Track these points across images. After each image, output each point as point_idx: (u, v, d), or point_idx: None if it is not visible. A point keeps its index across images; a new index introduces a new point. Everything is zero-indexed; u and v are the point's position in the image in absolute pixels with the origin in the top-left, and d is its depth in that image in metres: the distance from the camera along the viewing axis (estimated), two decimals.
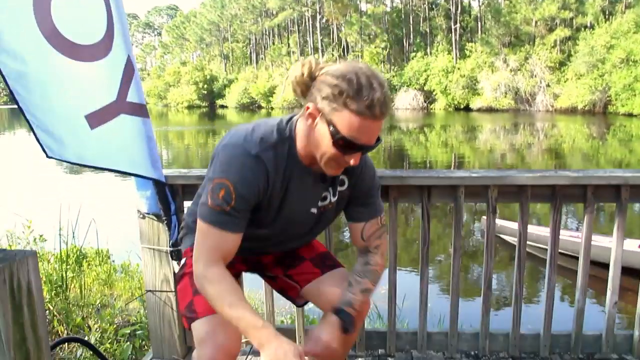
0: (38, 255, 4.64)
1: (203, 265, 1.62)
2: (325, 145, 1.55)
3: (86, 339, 3.13)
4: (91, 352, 3.02)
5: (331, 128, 1.51)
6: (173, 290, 2.60)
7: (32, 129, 2.22)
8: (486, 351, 2.76)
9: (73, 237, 4.53)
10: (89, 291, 4.23)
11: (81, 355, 3.04)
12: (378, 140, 1.57)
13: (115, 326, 3.41)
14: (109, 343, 3.21)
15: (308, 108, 1.55)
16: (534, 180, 2.51)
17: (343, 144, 1.52)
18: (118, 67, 2.26)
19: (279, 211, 1.75)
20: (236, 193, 1.58)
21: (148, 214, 2.55)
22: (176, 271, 2.55)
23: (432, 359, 2.73)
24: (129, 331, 3.29)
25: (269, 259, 2.05)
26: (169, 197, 2.52)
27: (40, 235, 4.88)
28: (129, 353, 3.02)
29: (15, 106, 2.19)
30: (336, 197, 1.83)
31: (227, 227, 1.62)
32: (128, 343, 3.13)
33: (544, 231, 5.80)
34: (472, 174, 2.53)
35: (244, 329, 1.55)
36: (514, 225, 6.46)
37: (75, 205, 4.83)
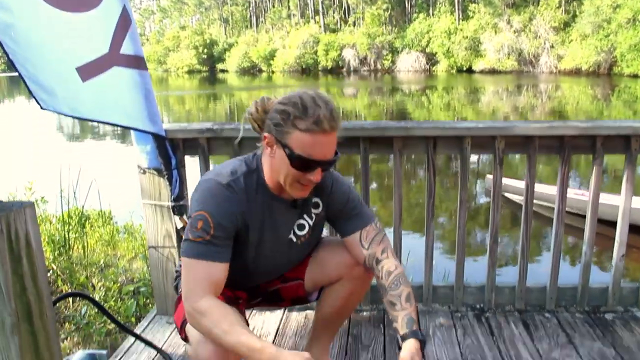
0: (40, 217, 4.63)
1: (193, 300, 1.58)
2: (286, 168, 1.61)
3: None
4: (96, 310, 3.02)
5: (287, 150, 1.57)
6: (175, 245, 2.58)
7: (23, 81, 2.17)
8: (492, 304, 2.75)
9: (74, 198, 4.50)
10: (92, 252, 4.23)
11: (86, 312, 3.04)
12: (336, 154, 1.64)
13: (119, 285, 3.40)
14: (113, 301, 3.20)
15: (265, 138, 1.63)
16: (542, 131, 2.45)
17: (300, 162, 1.58)
18: (111, 18, 2.18)
19: (260, 243, 1.76)
20: (214, 221, 1.60)
21: (149, 168, 2.51)
22: (178, 227, 2.53)
23: (438, 312, 2.72)
24: (132, 288, 3.29)
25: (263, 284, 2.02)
26: (169, 151, 2.47)
27: (42, 197, 4.85)
28: (133, 310, 3.02)
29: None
30: (312, 220, 1.85)
31: (211, 257, 1.61)
32: (132, 300, 3.12)
33: (550, 189, 5.77)
34: (479, 124, 2.48)
35: (245, 354, 1.51)
36: (519, 184, 6.41)
37: (76, 168, 4.80)
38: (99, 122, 2.34)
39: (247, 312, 2.72)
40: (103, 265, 3.83)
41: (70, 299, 3.25)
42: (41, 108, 2.24)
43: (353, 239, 1.84)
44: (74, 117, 2.33)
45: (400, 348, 1.68)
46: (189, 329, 1.70)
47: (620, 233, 2.59)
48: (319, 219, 1.86)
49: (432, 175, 2.53)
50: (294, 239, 1.83)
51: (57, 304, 3.22)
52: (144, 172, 2.54)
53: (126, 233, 4.90)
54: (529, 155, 2.52)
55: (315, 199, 1.84)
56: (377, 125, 2.54)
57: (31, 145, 12.46)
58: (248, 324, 1.69)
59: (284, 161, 1.59)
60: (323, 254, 1.96)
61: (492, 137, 2.48)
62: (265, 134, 1.62)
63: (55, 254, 3.83)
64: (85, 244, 4.24)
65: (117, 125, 2.36)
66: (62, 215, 4.38)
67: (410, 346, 1.66)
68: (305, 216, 1.83)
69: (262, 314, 2.74)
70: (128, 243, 4.60)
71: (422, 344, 1.65)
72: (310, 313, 2.68)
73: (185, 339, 1.77)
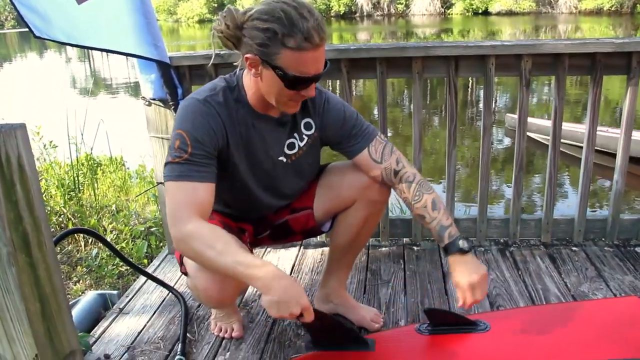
0: (50, 162, 4.56)
1: (180, 224, 1.46)
2: (278, 89, 1.50)
3: None
4: (108, 253, 2.96)
5: (278, 72, 1.45)
6: None
7: (15, 8, 2.03)
8: (517, 238, 2.63)
9: (82, 140, 4.40)
10: (103, 197, 4.16)
11: (97, 254, 2.98)
12: (326, 64, 1.51)
13: (130, 227, 3.32)
14: (125, 243, 3.13)
15: (247, 59, 1.48)
16: (573, 48, 2.27)
17: (295, 82, 1.46)
18: None
19: (251, 165, 1.67)
20: (190, 138, 1.49)
21: (154, 99, 2.37)
22: None
23: None
24: (143, 228, 3.21)
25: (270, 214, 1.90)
26: (175, 80, 2.33)
27: (50, 142, 4.76)
28: (145, 251, 2.94)
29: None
30: (304, 141, 1.73)
31: (193, 177, 1.49)
32: (144, 241, 3.04)
33: (575, 126, 5.56)
34: (504, 43, 2.30)
35: (243, 274, 1.40)
36: (543, 122, 6.22)
37: (88, 115, 4.67)
38: (96, 49, 2.19)
39: (261, 251, 2.64)
40: (115, 210, 3.75)
41: (82, 242, 3.18)
42: (34, 36, 2.11)
43: (363, 157, 1.72)
44: (69, 45, 2.19)
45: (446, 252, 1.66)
46: (187, 260, 1.61)
47: None
48: (312, 139, 1.73)
49: (454, 98, 2.37)
50: (285, 160, 1.71)
51: (69, 247, 3.16)
52: (149, 104, 2.41)
53: (138, 178, 4.81)
54: (557, 77, 2.34)
55: (307, 119, 1.71)
56: (396, 45, 2.37)
57: (42, 96, 12.35)
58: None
59: (276, 82, 1.47)
60: (332, 178, 1.84)
61: (518, 57, 2.30)
62: (248, 55, 1.47)
63: (66, 198, 3.75)
64: (96, 189, 4.16)
65: (117, 52, 2.21)
66: (71, 159, 4.29)
67: (459, 268, 1.63)
68: (295, 135, 1.71)
69: (276, 252, 2.65)
70: (140, 188, 4.52)
71: (468, 251, 1.64)
72: (327, 250, 2.58)
73: (186, 273, 1.69)
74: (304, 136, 1.72)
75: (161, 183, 2.49)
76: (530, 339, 1.65)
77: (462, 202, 4.73)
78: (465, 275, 1.61)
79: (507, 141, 6.86)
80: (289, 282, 1.40)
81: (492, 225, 2.63)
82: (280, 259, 2.57)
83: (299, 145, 1.72)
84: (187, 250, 1.47)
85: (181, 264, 1.71)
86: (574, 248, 2.57)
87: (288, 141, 1.70)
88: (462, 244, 1.63)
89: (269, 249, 2.66)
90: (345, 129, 1.71)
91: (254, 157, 1.66)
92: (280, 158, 1.71)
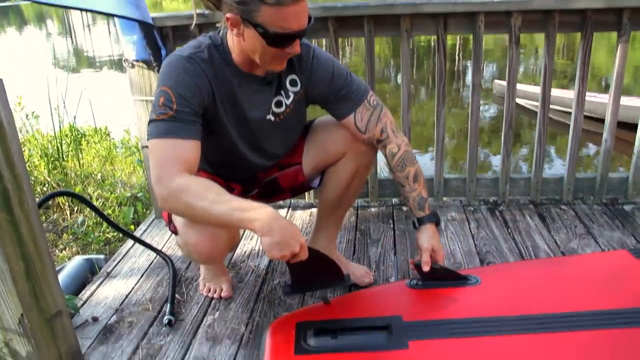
0: (32, 133, 4.48)
1: (166, 181, 1.41)
2: (261, 48, 1.45)
3: None
4: (94, 220, 2.92)
5: (259, 30, 1.41)
6: None
7: None
8: (506, 197, 2.62)
9: (65, 110, 4.31)
10: (88, 166, 4.09)
11: (83, 222, 2.94)
12: (310, 20, 1.47)
13: (116, 195, 3.28)
14: (111, 210, 3.09)
15: (228, 19, 1.44)
16: (563, 4, 2.25)
17: (276, 39, 1.43)
18: None
19: (238, 123, 1.64)
20: (175, 94, 1.46)
21: (137, 61, 2.32)
22: None
23: (450, 206, 2.60)
24: (129, 194, 3.17)
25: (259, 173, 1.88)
26: (158, 41, 2.28)
27: (33, 112, 4.67)
28: (131, 217, 2.90)
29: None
30: (291, 99, 1.69)
31: (178, 134, 1.45)
32: (130, 207, 3.00)
33: (562, 93, 5.56)
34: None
35: (240, 218, 1.37)
36: (530, 88, 6.21)
37: (71, 86, 4.58)
38: (75, 8, 2.13)
39: None
40: (101, 179, 3.70)
41: (68, 211, 3.14)
42: None
43: (348, 122, 1.70)
44: (49, 5, 2.13)
45: (415, 228, 1.72)
46: (175, 217, 1.59)
47: None
48: (298, 97, 1.70)
49: (443, 56, 2.34)
50: (272, 118, 1.68)
51: (55, 216, 3.12)
52: (132, 66, 2.35)
53: (124, 148, 4.74)
54: (547, 34, 2.32)
55: (292, 76, 1.67)
56: (384, 3, 2.32)
57: (21, 70, 12.12)
58: None
59: (258, 41, 1.43)
60: (320, 132, 1.82)
61: (508, 13, 2.27)
62: (228, 15, 1.43)
63: (50, 167, 3.70)
64: (81, 160, 4.10)
65: (97, 12, 2.14)
66: (54, 128, 4.21)
67: (427, 234, 1.69)
68: (282, 93, 1.67)
69: None
70: (126, 157, 4.46)
71: (437, 224, 1.74)
72: (315, 211, 2.56)
73: (175, 231, 1.66)
74: (290, 93, 1.69)
75: (146, 147, 2.44)
76: (522, 292, 1.65)
77: (450, 172, 4.72)
78: (431, 240, 1.69)
79: (493, 110, 6.85)
80: (287, 222, 1.39)
81: (482, 184, 2.62)
82: None
83: (286, 104, 1.69)
84: (176, 205, 1.44)
85: (169, 222, 1.68)
86: (563, 207, 2.57)
87: (275, 99, 1.67)
88: (436, 217, 1.74)
89: None
90: (332, 89, 1.67)
91: (241, 117, 1.63)
92: (268, 117, 1.68)
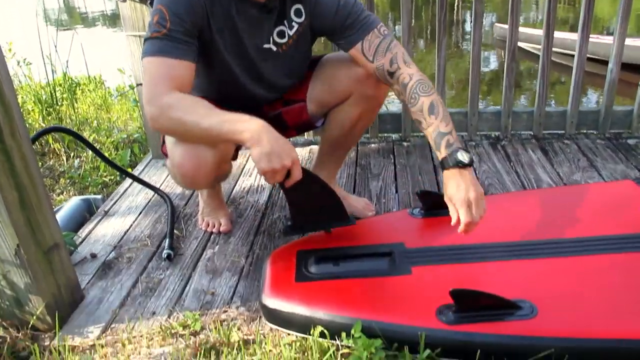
0: (26, 81, 4.39)
1: (157, 99, 1.37)
2: None
3: None
4: (91, 165, 2.88)
5: None
6: None
7: None
8: (508, 131, 2.58)
9: (57, 56, 4.21)
10: (84, 114, 4.02)
11: (80, 166, 2.90)
12: None
13: (112, 140, 3.23)
14: (107, 153, 3.05)
15: None
16: None
17: None
18: None
19: (233, 51, 1.57)
20: (169, 13, 1.41)
21: None
22: None
23: None
24: (125, 135, 3.12)
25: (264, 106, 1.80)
26: None
27: (24, 59, 4.57)
28: (128, 158, 2.86)
29: None
30: (294, 29, 1.61)
31: (171, 53, 1.41)
32: (127, 150, 2.96)
33: (566, 35, 5.43)
34: None
35: (230, 130, 1.33)
36: (533, 31, 6.08)
37: (64, 36, 4.46)
38: None
39: (247, 153, 2.57)
40: (97, 125, 3.64)
41: (64, 156, 3.09)
42: None
43: (356, 52, 1.59)
44: None
45: (443, 166, 1.43)
46: (167, 139, 1.55)
47: None
48: (302, 28, 1.62)
49: None
50: (274, 48, 1.61)
51: (51, 162, 3.07)
52: (124, 0, 2.27)
53: (119, 95, 4.65)
54: None
55: (297, 5, 1.59)
56: None
57: (8, 23, 11.87)
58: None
59: None
60: (327, 70, 1.74)
61: None
62: None
63: (44, 114, 3.63)
64: (76, 108, 4.02)
65: None
66: (48, 80, 4.12)
67: (450, 183, 1.40)
68: (285, 22, 1.59)
69: None
70: (122, 105, 4.39)
71: (465, 166, 1.38)
72: (315, 148, 2.53)
73: (166, 153, 1.62)
74: (294, 24, 1.61)
75: (140, 84, 2.39)
76: (527, 219, 1.63)
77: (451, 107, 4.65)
78: (462, 190, 1.37)
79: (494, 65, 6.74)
80: (280, 136, 1.34)
81: (484, 118, 2.57)
82: None
83: (288, 34, 1.62)
84: (167, 124, 1.40)
85: (163, 143, 1.64)
86: (565, 141, 2.53)
87: (277, 29, 1.60)
88: (462, 156, 1.39)
89: None
90: (338, 18, 1.57)
91: (239, 44, 1.56)
92: (268, 46, 1.61)
